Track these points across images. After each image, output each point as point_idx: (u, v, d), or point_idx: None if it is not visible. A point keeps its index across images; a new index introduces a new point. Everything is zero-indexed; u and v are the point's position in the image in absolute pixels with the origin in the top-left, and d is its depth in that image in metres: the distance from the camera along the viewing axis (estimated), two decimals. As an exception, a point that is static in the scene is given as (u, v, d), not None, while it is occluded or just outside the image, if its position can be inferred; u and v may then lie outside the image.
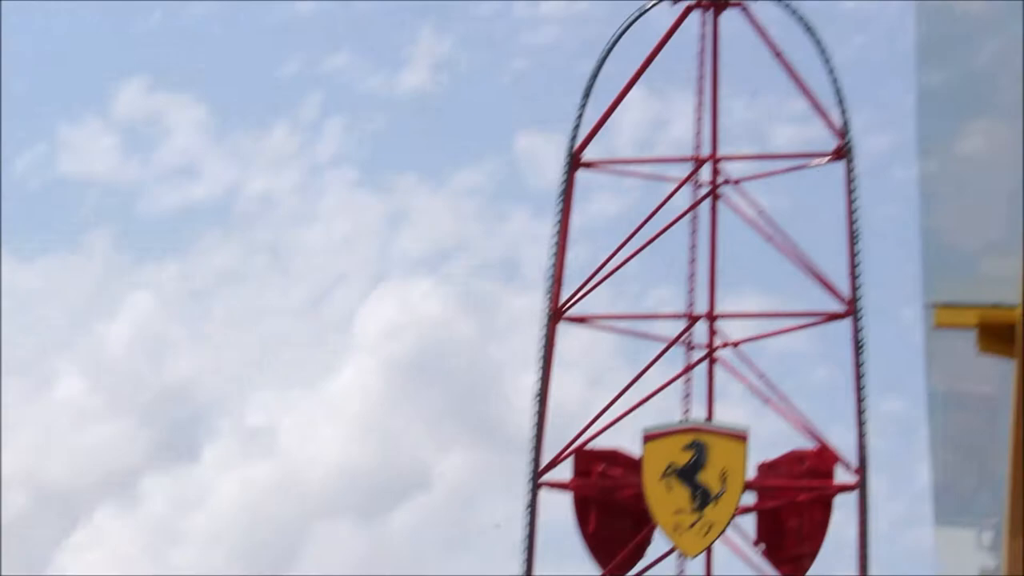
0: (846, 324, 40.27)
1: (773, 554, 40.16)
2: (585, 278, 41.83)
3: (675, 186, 44.35)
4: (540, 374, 40.99)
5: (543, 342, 41.37)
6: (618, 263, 41.77)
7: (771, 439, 52.15)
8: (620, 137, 67.13)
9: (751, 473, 40.11)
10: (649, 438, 39.84)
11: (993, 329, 5.00)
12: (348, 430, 75.10)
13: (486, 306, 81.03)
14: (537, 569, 40.61)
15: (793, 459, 40.86)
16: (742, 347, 42.21)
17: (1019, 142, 3.65)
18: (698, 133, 43.81)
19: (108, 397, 78.73)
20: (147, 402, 76.67)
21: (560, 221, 42.61)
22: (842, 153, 41.19)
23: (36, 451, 74.99)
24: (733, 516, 39.18)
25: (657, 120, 67.86)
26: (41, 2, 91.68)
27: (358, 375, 75.35)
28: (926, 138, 5.06)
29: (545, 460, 40.77)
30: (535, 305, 41.92)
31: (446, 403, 72.67)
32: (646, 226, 42.12)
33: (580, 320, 42.83)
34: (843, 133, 41.43)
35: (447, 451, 77.27)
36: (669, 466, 39.64)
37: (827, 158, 41.89)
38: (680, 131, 43.74)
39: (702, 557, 39.38)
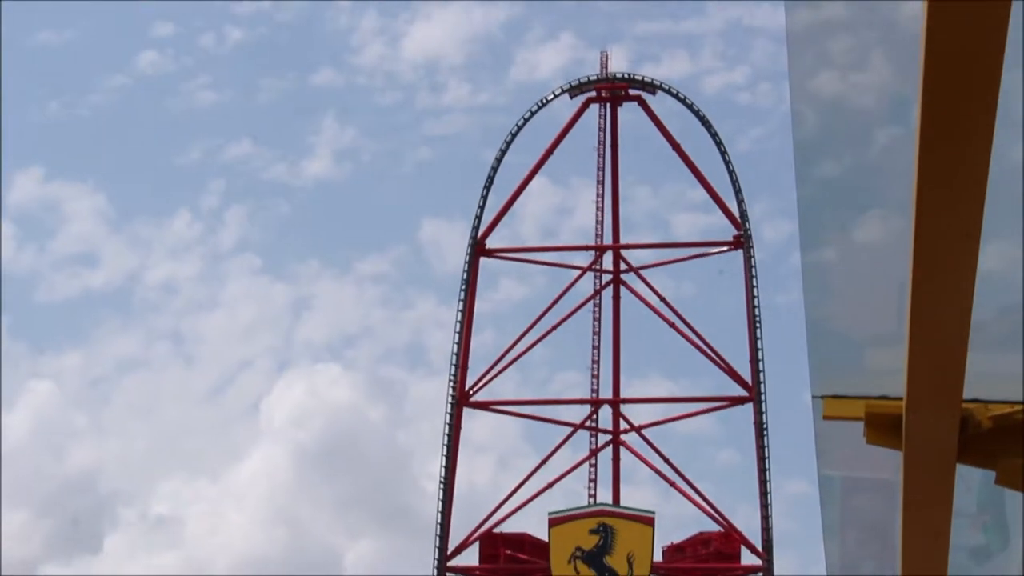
0: (749, 408, 41.05)
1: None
2: (491, 363, 42.37)
3: (578, 274, 45.82)
4: (445, 460, 41.18)
5: (448, 428, 41.64)
6: (523, 349, 42.40)
7: (677, 522, 52.61)
8: (524, 225, 68.01)
9: (658, 556, 40.74)
10: (555, 522, 40.11)
11: (880, 420, 5.21)
12: (256, 518, 74.38)
13: (393, 392, 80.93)
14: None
15: (699, 541, 41.39)
16: (647, 431, 42.97)
17: (908, 233, 3.87)
18: (599, 222, 44.79)
19: (7, 488, 77.37)
20: (48, 493, 75.34)
21: (463, 308, 43.79)
22: (740, 242, 42.16)
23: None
24: (640, 600, 39.61)
25: (561, 208, 68.82)
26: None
27: (265, 462, 74.77)
28: (810, 229, 5.30)
29: (453, 545, 40.95)
30: (442, 391, 42.10)
31: (355, 490, 72.28)
32: (551, 312, 43.01)
33: (484, 406, 43.27)
34: (741, 223, 42.42)
35: (357, 538, 76.64)
36: (576, 550, 39.91)
37: (726, 247, 42.91)
38: (584, 219, 44.50)
39: (610, 641, 39.78)
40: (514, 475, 43.22)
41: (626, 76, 43.58)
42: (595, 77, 43.65)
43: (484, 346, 68.18)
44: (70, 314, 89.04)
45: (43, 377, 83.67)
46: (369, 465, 72.37)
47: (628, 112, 43.50)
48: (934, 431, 4.87)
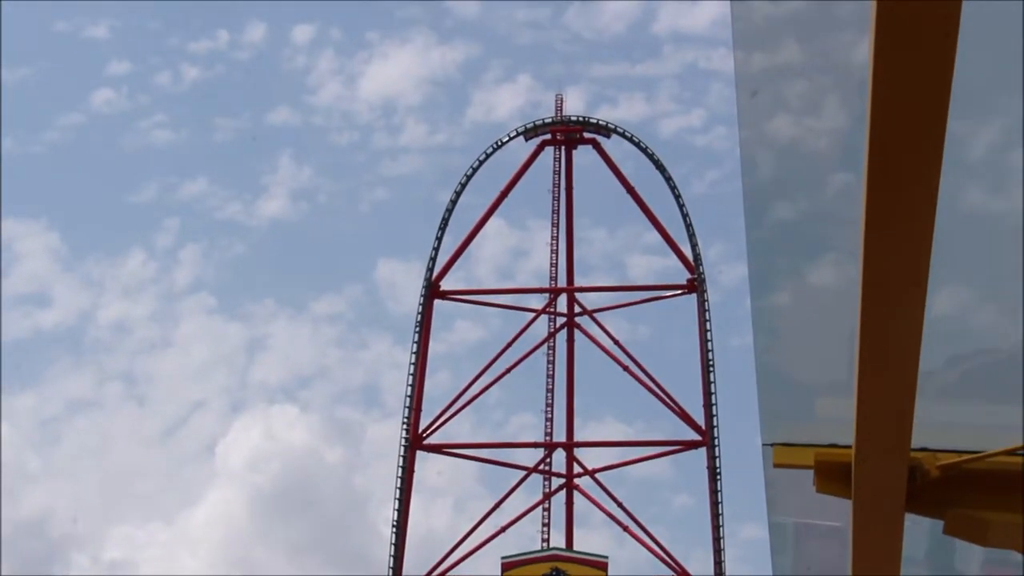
0: (703, 452, 41.03)
1: None
2: (445, 405, 42.23)
3: (532, 316, 45.78)
4: (398, 503, 40.92)
5: (400, 471, 41.38)
6: (477, 391, 42.25)
7: (631, 566, 52.34)
8: (481, 266, 68.06)
9: (610, 601, 40.66)
10: (509, 566, 39.89)
11: (830, 469, 5.16)
12: (210, 563, 73.58)
13: (351, 434, 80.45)
14: None
15: (652, 587, 41.42)
16: (601, 475, 42.89)
17: (858, 281, 3.83)
18: (554, 264, 44.83)
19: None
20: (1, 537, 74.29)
21: (417, 351, 43.70)
22: (694, 286, 42.29)
23: None
24: (593, 645, 39.43)
25: (518, 249, 68.91)
26: None
27: (221, 506, 74.04)
28: (760, 273, 5.24)
29: (405, 590, 40.70)
30: (397, 433, 41.89)
31: (312, 534, 71.60)
32: (506, 354, 42.93)
33: (438, 448, 43.04)
34: (694, 266, 42.59)
35: (312, 583, 75.81)
36: (529, 595, 39.81)
37: (680, 291, 43.02)
38: (540, 260, 44.58)
39: None
40: (468, 519, 43.00)
41: (581, 119, 43.77)
42: (550, 120, 43.81)
43: (439, 387, 68.17)
44: (21, 354, 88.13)
45: (2, 419, 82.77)
46: (326, 509, 71.88)
47: (584, 154, 43.72)
48: (883, 480, 4.82)
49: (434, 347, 43.07)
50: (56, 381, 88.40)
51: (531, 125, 43.49)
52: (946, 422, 5.34)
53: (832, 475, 5.42)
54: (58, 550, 76.32)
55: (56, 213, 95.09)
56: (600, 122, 43.60)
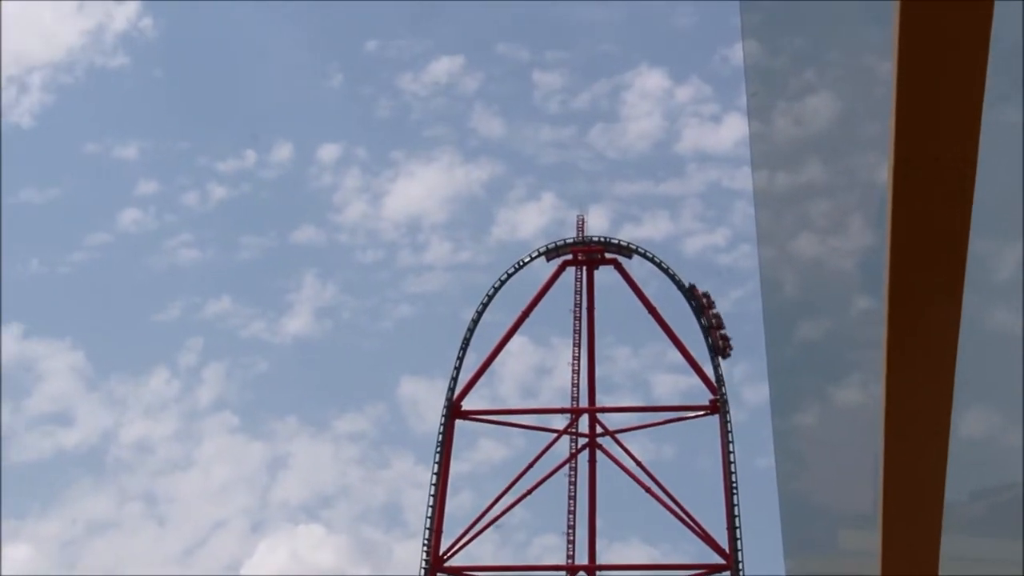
0: (727, 576, 40.41)
1: None
2: (467, 526, 41.74)
3: (554, 436, 45.43)
4: (419, 629, 40.30)
5: (421, 595, 40.80)
6: (499, 512, 41.79)
7: None
8: (504, 384, 67.85)
9: None
10: None
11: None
12: None
13: (376, 555, 79.50)
14: None
15: None
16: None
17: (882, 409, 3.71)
18: (575, 384, 44.60)
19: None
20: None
21: (438, 471, 43.45)
22: (716, 407, 41.93)
23: None
24: None
25: (541, 367, 68.74)
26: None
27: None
28: (782, 396, 5.12)
29: None
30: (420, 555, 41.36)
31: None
32: (529, 474, 42.51)
33: (458, 572, 42.44)
34: (717, 387, 42.29)
35: None
36: None
37: (703, 411, 42.67)
38: (564, 378, 44.34)
39: None
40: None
41: (602, 240, 43.87)
42: (571, 240, 43.93)
43: (462, 508, 67.52)
44: (42, 474, 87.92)
45: (21, 541, 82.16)
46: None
47: (608, 272, 43.68)
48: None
49: (457, 466, 42.85)
50: (76, 501, 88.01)
51: (552, 246, 43.58)
52: (974, 557, 5.15)
53: (857, 610, 5.21)
54: None
55: (81, 332, 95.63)
56: (621, 242, 43.68)
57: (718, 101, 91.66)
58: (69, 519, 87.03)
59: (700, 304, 42.44)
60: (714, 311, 42.08)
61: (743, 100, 4.69)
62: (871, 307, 4.55)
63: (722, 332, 42.47)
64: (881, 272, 3.31)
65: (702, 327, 42.36)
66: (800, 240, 5.21)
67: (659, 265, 43.14)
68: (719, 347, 42.41)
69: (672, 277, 43.08)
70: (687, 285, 42.80)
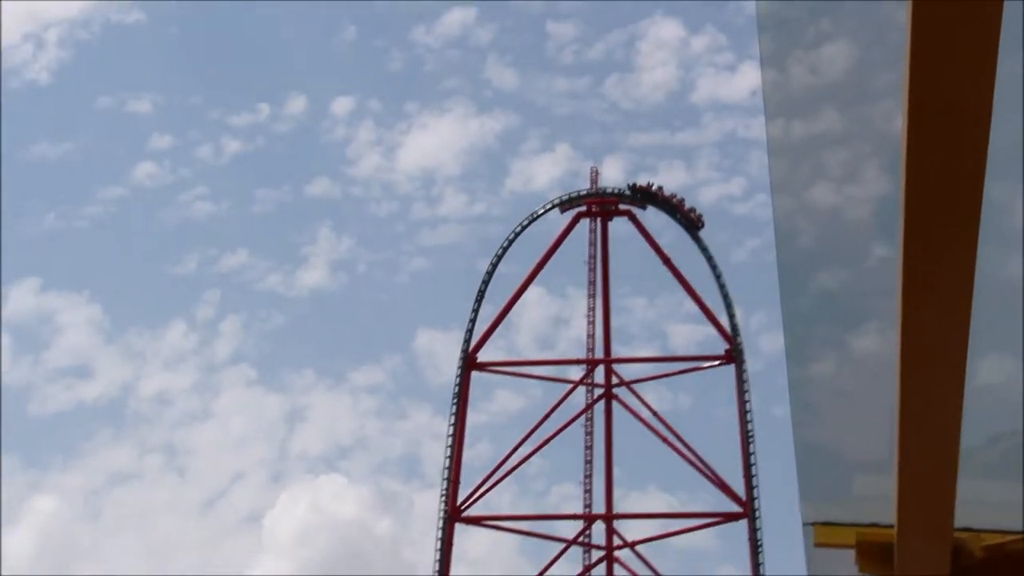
0: (745, 524, 40.58)
1: None
2: (484, 476, 41.97)
3: (570, 387, 45.61)
4: (437, 576, 40.66)
5: (439, 543, 41.10)
6: (517, 462, 42.01)
7: (674, 640, 51.76)
8: (521, 335, 67.94)
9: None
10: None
11: (871, 549, 5.01)
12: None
13: (397, 506, 79.93)
14: None
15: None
16: (642, 547, 42.41)
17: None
18: (591, 335, 44.72)
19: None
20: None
21: (455, 423, 43.70)
22: (731, 357, 42.02)
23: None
24: None
25: (558, 318, 68.75)
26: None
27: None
28: (797, 344, 5.11)
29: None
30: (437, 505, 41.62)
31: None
32: (546, 424, 42.67)
33: (476, 521, 42.77)
34: (732, 337, 42.36)
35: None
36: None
37: (718, 361, 42.77)
38: (581, 328, 44.39)
39: None
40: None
41: (616, 191, 43.78)
42: (585, 192, 43.84)
43: (480, 458, 67.88)
44: (64, 427, 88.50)
45: (45, 493, 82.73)
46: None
47: (623, 221, 43.58)
48: (926, 561, 4.65)
49: (474, 417, 43.08)
50: (97, 453, 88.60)
51: (566, 197, 43.53)
52: (991, 501, 5.18)
53: (874, 555, 5.27)
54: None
55: (98, 286, 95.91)
56: (638, 187, 43.48)
57: (733, 50, 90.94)
58: (91, 471, 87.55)
59: (655, 198, 42.58)
60: (670, 196, 42.68)
61: (757, 49, 4.68)
62: (887, 255, 4.56)
63: (690, 207, 42.82)
64: (897, 220, 3.32)
65: (716, 276, 42.36)
66: (816, 189, 5.22)
67: (673, 216, 42.87)
68: (691, 220, 42.71)
69: (687, 228, 42.92)
70: (629, 185, 43.02)
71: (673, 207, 42.61)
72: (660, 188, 43.03)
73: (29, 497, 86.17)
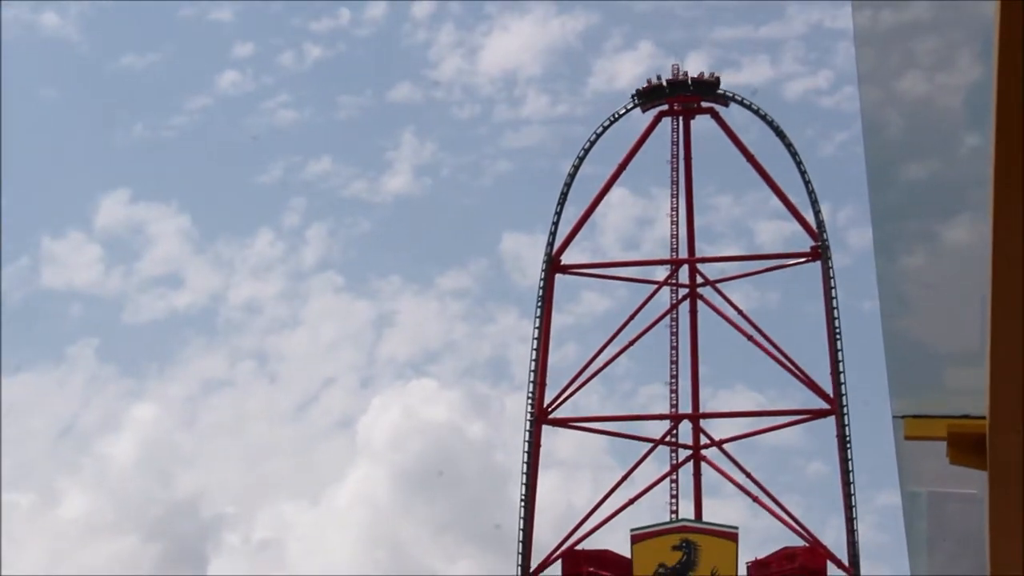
0: (833, 420, 40.50)
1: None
2: (571, 378, 42.18)
3: (654, 288, 45.58)
4: (525, 477, 41.04)
5: (527, 445, 41.49)
6: (603, 363, 42.18)
7: (762, 536, 51.93)
8: (606, 236, 67.85)
9: (742, 571, 40.19)
10: (638, 538, 39.74)
11: (963, 441, 4.99)
12: (357, 541, 73.80)
13: (489, 409, 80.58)
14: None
15: (784, 556, 40.78)
16: (729, 445, 42.56)
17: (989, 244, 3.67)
18: (675, 235, 44.51)
19: (117, 513, 77.46)
20: (155, 518, 75.25)
21: (540, 326, 43.51)
22: (818, 253, 41.67)
23: (43, 568, 73.24)
24: (725, 615, 39.23)
25: (643, 218, 68.53)
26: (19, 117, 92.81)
27: (364, 483, 74.37)
28: (886, 237, 5.05)
29: (535, 562, 40.77)
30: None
31: (452, 511, 71.64)
32: (632, 325, 42.76)
33: (563, 423, 43.08)
34: (818, 234, 41.95)
35: (455, 560, 75.96)
36: (659, 566, 39.56)
37: (804, 259, 42.43)
38: (665, 229, 44.21)
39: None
40: (598, 491, 42.87)
41: (694, 81, 43.29)
42: (663, 82, 43.38)
43: (567, 359, 68.07)
44: (157, 336, 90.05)
45: (144, 401, 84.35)
46: (468, 486, 71.79)
47: (706, 122, 43.20)
48: (1019, 452, 4.63)
49: (560, 319, 43.22)
50: (191, 361, 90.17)
51: (644, 87, 43.09)
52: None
53: (965, 447, 5.24)
54: (210, 530, 77.62)
55: (186, 196, 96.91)
56: (718, 91, 43.01)
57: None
58: (186, 379, 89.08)
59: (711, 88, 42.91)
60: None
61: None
62: (979, 144, 4.47)
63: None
64: (989, 108, 3.26)
65: (801, 172, 41.92)
66: (905, 79, 5.13)
67: (756, 112, 42.52)
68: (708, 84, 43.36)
69: (770, 124, 42.48)
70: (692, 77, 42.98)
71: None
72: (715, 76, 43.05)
73: (129, 405, 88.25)
